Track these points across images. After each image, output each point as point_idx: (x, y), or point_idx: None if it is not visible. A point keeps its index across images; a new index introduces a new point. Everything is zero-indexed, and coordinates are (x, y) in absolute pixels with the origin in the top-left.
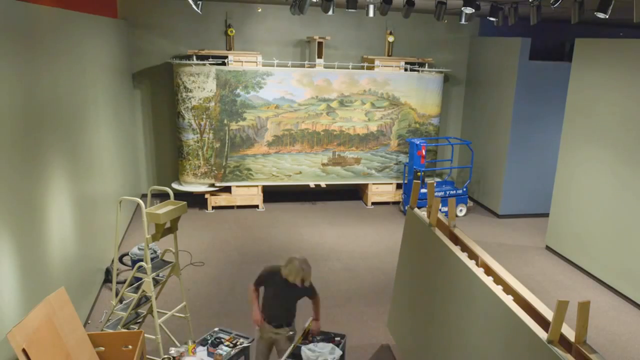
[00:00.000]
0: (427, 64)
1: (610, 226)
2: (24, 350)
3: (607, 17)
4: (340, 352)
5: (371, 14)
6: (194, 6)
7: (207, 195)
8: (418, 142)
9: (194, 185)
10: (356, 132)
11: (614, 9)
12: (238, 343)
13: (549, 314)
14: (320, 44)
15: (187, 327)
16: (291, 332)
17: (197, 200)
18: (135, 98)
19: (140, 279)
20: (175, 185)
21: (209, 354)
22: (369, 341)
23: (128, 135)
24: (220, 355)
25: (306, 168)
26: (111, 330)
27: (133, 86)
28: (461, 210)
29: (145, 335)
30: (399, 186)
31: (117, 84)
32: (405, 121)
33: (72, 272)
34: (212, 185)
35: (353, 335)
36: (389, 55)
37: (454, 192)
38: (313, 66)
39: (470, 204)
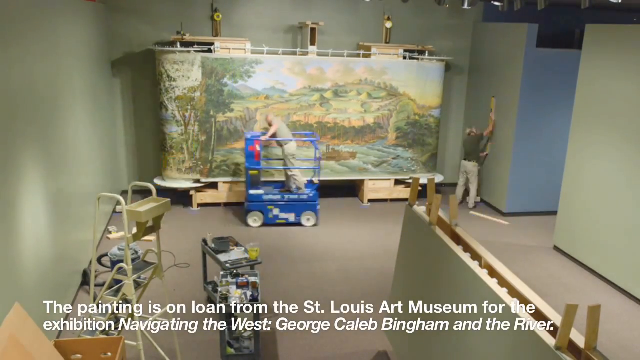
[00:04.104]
0: (427, 52)
1: (623, 225)
2: None
3: (619, 1)
4: None
5: None
6: None
7: (192, 192)
8: (250, 136)
9: (178, 181)
10: (351, 125)
11: None
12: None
13: (557, 319)
14: (313, 30)
15: (170, 332)
16: None
17: (181, 197)
18: (115, 88)
19: (121, 281)
20: (158, 181)
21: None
22: (365, 348)
23: (107, 128)
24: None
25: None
26: (89, 337)
27: (112, 75)
28: (308, 220)
29: (126, 341)
30: (397, 182)
31: (95, 73)
32: (404, 113)
33: (47, 274)
34: (198, 181)
35: (348, 341)
36: (386, 43)
37: (295, 196)
38: (305, 54)
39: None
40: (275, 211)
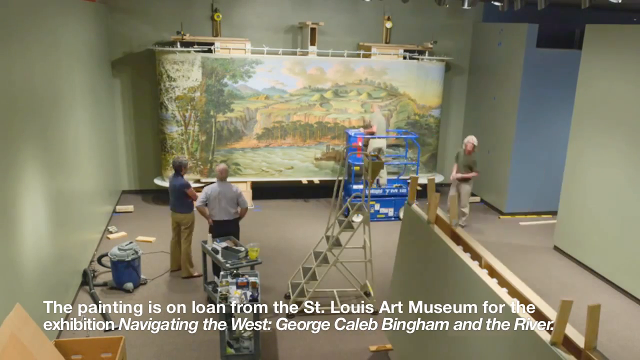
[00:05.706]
0: (427, 52)
1: (622, 225)
2: None
3: (619, 1)
4: None
5: None
6: None
7: None
8: (353, 134)
9: None
10: (352, 125)
11: None
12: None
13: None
14: (313, 30)
15: (170, 332)
16: None
17: None
18: (115, 88)
19: (121, 283)
20: (158, 181)
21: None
22: (365, 346)
23: (107, 128)
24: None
25: (298, 163)
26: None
27: (112, 75)
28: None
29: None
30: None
31: (95, 73)
32: (404, 113)
33: (47, 274)
34: (198, 181)
35: (348, 341)
36: (386, 43)
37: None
38: (305, 54)
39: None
40: (377, 206)
